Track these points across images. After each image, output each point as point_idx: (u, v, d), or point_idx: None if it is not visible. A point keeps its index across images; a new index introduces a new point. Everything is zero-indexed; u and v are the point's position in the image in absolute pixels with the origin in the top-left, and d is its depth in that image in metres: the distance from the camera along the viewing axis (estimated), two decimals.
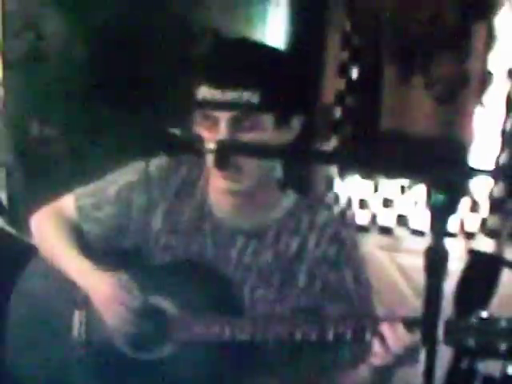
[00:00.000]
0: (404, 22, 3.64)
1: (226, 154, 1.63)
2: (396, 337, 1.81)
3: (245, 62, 1.94)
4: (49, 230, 2.22)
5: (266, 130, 1.92)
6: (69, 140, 3.69)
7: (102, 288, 2.07)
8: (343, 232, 2.07)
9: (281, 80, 1.95)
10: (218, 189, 2.03)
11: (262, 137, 1.91)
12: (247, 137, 1.91)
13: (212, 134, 1.90)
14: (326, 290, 2.03)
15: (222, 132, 1.90)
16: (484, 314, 1.74)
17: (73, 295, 2.14)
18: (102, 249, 2.19)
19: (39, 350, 2.17)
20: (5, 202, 3.65)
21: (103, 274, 2.08)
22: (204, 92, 1.92)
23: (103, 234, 2.19)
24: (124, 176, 2.18)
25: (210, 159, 1.84)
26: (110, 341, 2.07)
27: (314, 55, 3.67)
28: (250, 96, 1.88)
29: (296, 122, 1.99)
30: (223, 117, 1.90)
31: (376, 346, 1.84)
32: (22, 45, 3.68)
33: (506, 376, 2.31)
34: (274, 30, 3.78)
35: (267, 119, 1.92)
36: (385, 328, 1.82)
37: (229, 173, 1.91)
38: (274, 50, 2.08)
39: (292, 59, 2.14)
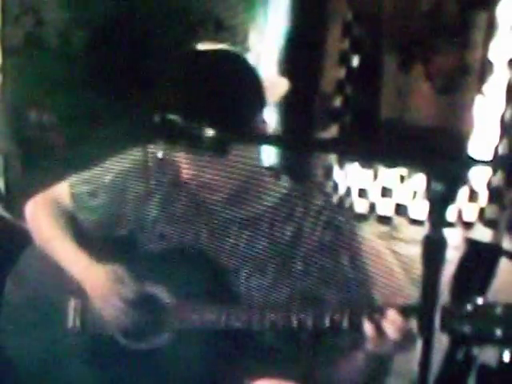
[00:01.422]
0: (404, 12, 3.64)
1: (223, 142, 1.63)
2: (393, 324, 1.81)
3: (202, 91, 1.91)
4: (43, 218, 2.22)
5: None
6: (67, 127, 3.69)
7: (95, 279, 2.08)
8: (339, 217, 2.07)
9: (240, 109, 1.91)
10: (210, 178, 2.03)
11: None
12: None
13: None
14: (322, 276, 2.03)
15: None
16: (479, 301, 1.75)
17: (69, 283, 2.14)
18: (97, 237, 2.20)
19: (33, 337, 2.18)
20: (2, 188, 3.66)
21: (97, 264, 2.09)
22: (166, 119, 1.90)
23: (98, 222, 2.19)
24: (120, 163, 2.18)
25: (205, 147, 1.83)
26: (105, 330, 2.07)
27: (315, 43, 3.67)
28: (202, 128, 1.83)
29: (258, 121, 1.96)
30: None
31: (372, 333, 1.85)
32: (21, 32, 3.68)
33: (502, 363, 2.32)
34: (274, 17, 3.77)
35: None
36: (381, 315, 1.83)
37: (208, 186, 1.95)
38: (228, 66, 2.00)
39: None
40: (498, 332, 1.70)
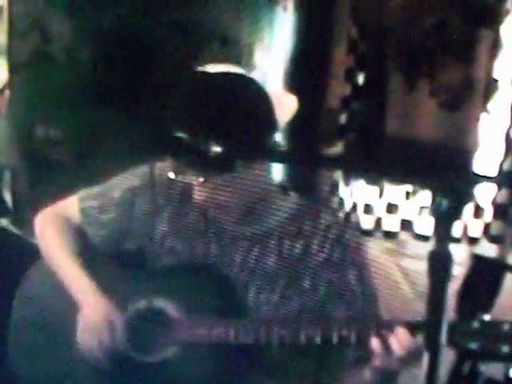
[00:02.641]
0: (410, 29, 3.64)
1: (229, 159, 1.63)
2: (400, 340, 1.81)
3: (207, 111, 1.93)
4: (51, 234, 2.23)
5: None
6: (74, 143, 3.69)
7: (89, 310, 2.09)
8: (347, 235, 2.07)
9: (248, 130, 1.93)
10: (219, 194, 2.03)
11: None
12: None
13: None
14: (330, 292, 2.04)
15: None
16: (487, 318, 1.76)
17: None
18: (105, 251, 2.19)
19: (41, 351, 2.18)
20: (10, 203, 3.66)
21: (94, 297, 2.09)
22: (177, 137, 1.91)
23: (107, 237, 2.20)
24: (129, 180, 2.18)
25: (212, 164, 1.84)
26: (114, 343, 2.07)
27: (320, 60, 3.68)
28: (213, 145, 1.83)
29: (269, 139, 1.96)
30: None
31: (380, 348, 1.85)
32: (28, 47, 3.69)
33: (508, 378, 2.32)
34: (280, 34, 3.79)
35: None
36: (389, 331, 1.83)
37: (228, 178, 1.93)
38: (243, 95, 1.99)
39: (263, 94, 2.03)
40: (505, 349, 1.71)
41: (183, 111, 1.96)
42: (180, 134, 1.67)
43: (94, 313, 2.08)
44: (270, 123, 1.97)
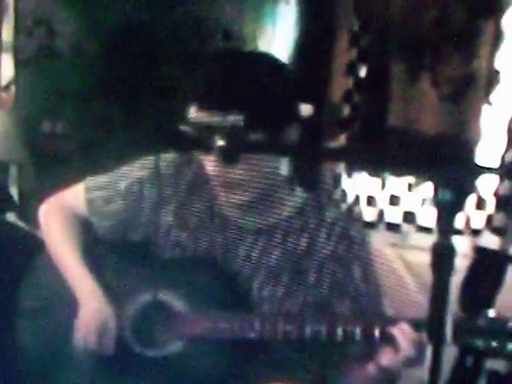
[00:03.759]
0: (411, 22, 3.65)
1: (234, 152, 1.64)
2: (405, 337, 1.81)
3: (229, 84, 1.93)
4: (55, 225, 2.22)
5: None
6: (80, 137, 3.70)
7: (86, 306, 2.08)
8: (352, 229, 2.06)
9: (269, 101, 1.92)
10: (224, 187, 2.02)
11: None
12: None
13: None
14: (334, 287, 2.03)
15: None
16: (492, 314, 1.75)
17: None
18: (111, 243, 2.19)
19: (47, 344, 2.17)
20: (16, 197, 3.67)
21: (92, 294, 2.09)
22: (192, 113, 1.92)
23: (112, 229, 2.18)
24: (135, 171, 2.16)
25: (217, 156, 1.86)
26: (119, 336, 2.07)
27: (323, 54, 3.68)
28: (235, 119, 1.85)
29: (288, 131, 1.96)
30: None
31: (385, 345, 1.85)
32: (34, 42, 3.70)
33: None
34: (283, 27, 3.79)
35: (257, 136, 1.88)
36: (394, 328, 1.83)
37: (231, 187, 1.94)
38: (266, 70, 2.01)
39: (286, 72, 2.06)
40: (511, 346, 1.70)
41: (210, 84, 1.97)
42: (183, 127, 1.66)
43: (89, 312, 2.08)
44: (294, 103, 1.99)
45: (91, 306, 2.08)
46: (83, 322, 2.08)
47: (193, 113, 1.92)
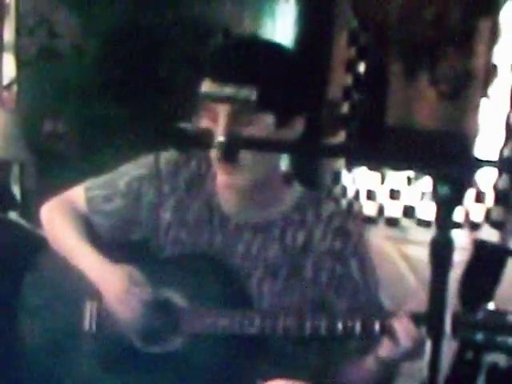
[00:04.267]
0: (409, 20, 3.65)
1: (234, 148, 1.63)
2: (405, 330, 1.80)
3: (247, 58, 1.94)
4: (58, 220, 2.21)
5: (266, 128, 1.91)
6: (81, 136, 3.70)
7: (111, 280, 2.06)
8: (349, 224, 2.05)
9: (282, 80, 1.93)
10: (223, 184, 2.02)
11: (261, 134, 1.90)
12: (246, 131, 1.88)
13: (214, 127, 1.88)
14: (332, 282, 2.02)
15: (221, 125, 1.88)
16: (491, 307, 1.73)
17: (84, 287, 2.12)
18: (111, 241, 2.18)
19: (50, 341, 2.17)
20: (18, 196, 3.68)
21: (113, 267, 2.07)
22: (206, 85, 1.92)
23: (112, 227, 2.18)
24: (134, 169, 2.16)
25: (216, 153, 1.85)
26: (121, 333, 2.06)
27: (322, 51, 3.68)
28: (249, 93, 1.80)
29: (298, 123, 1.97)
30: (222, 111, 1.89)
31: (384, 339, 1.84)
32: (35, 42, 3.70)
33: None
34: (282, 26, 3.79)
35: (266, 118, 1.91)
36: (393, 322, 1.81)
37: (232, 168, 1.92)
38: (280, 50, 2.04)
39: (298, 60, 2.08)
40: (510, 340, 1.69)
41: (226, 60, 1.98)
42: (182, 125, 1.67)
43: (120, 293, 2.05)
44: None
45: (118, 286, 2.05)
46: (119, 304, 2.05)
47: (207, 85, 1.92)
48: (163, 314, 2.04)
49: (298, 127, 1.97)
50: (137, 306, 2.04)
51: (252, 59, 1.94)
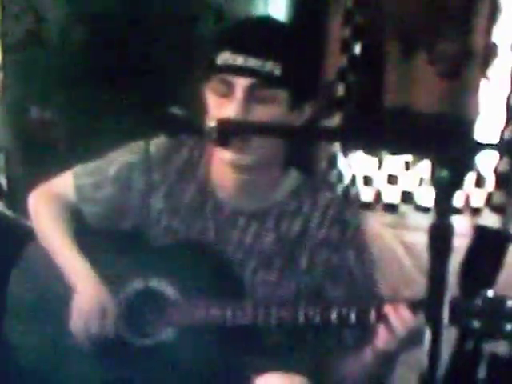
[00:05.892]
0: None
1: (229, 133, 1.60)
2: (401, 319, 1.80)
3: (272, 34, 1.96)
4: (45, 213, 2.20)
5: (279, 109, 1.91)
6: (68, 124, 3.68)
7: (85, 287, 2.07)
8: (346, 213, 2.05)
9: (305, 60, 1.97)
10: (222, 163, 2.00)
11: (273, 113, 1.90)
12: (259, 110, 1.89)
13: (225, 101, 1.89)
14: (328, 271, 2.02)
15: (237, 99, 1.88)
16: (490, 294, 1.73)
17: None
18: (101, 230, 2.18)
19: (38, 333, 2.16)
20: (4, 186, 3.65)
21: (89, 275, 2.08)
22: (225, 57, 1.91)
23: (102, 215, 2.17)
24: (124, 156, 2.16)
25: (212, 136, 1.83)
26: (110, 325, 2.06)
27: (317, 32, 3.66)
28: (272, 67, 1.86)
29: (308, 107, 1.99)
30: (240, 83, 1.89)
31: (380, 328, 1.83)
32: (22, 28, 3.67)
33: None
34: (276, 5, 3.77)
35: (283, 95, 1.91)
36: (389, 310, 1.81)
37: (241, 146, 1.90)
38: (300, 32, 2.17)
39: (316, 41, 2.19)
40: (509, 327, 1.69)
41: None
42: (172, 110, 1.66)
43: (86, 297, 2.06)
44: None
45: (88, 291, 2.06)
46: (81, 307, 2.06)
47: (225, 57, 1.91)
48: (154, 304, 2.04)
49: (306, 111, 1.98)
50: (97, 326, 2.04)
51: (277, 35, 1.96)
